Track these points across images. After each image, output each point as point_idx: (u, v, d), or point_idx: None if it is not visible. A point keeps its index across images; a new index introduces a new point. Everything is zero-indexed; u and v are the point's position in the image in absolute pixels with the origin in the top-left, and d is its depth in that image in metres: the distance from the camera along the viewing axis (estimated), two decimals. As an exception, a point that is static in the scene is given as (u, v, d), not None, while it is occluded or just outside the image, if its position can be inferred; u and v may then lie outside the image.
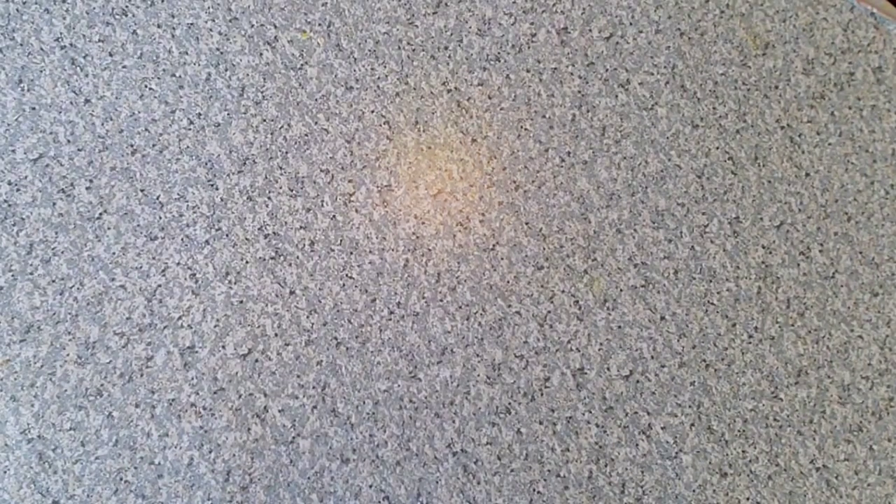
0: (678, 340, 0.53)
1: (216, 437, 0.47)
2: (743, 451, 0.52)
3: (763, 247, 0.56)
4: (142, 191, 0.50)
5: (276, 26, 0.54)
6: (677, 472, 0.51)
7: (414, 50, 0.55)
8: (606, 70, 0.57)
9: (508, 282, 0.52)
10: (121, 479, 0.46)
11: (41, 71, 0.51)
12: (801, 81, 0.61)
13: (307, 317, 0.50)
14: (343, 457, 0.48)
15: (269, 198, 0.51)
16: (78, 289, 0.48)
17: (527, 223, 0.53)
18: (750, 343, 0.54)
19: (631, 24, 0.59)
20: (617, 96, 0.57)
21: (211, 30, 0.53)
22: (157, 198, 0.50)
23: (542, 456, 0.50)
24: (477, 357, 0.51)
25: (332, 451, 0.48)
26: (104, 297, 0.48)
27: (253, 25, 0.54)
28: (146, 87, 0.52)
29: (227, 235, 0.50)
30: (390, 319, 0.50)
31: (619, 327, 0.53)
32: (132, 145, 0.51)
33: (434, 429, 0.49)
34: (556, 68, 0.57)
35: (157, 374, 0.47)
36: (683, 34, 0.59)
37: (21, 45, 0.51)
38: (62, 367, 0.47)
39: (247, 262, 0.50)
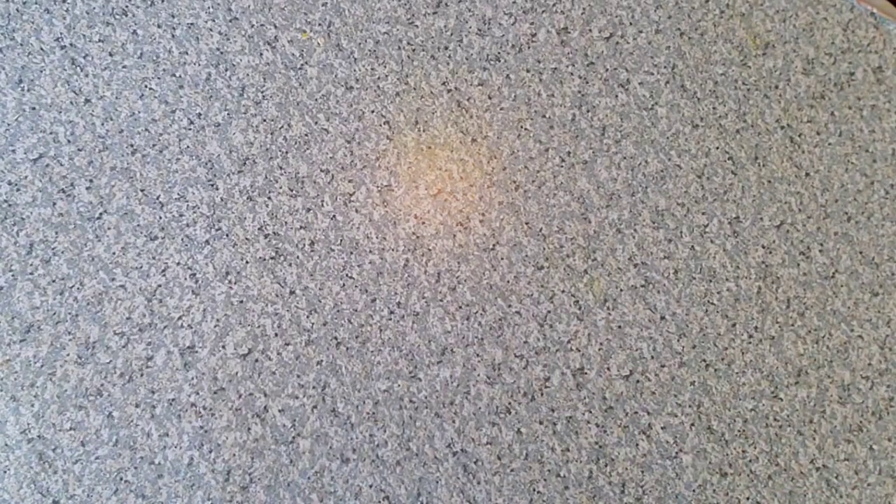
0: (678, 340, 0.53)
1: (216, 437, 0.47)
2: (743, 451, 0.52)
3: (763, 247, 0.56)
4: (142, 191, 0.50)
5: (276, 26, 0.54)
6: (677, 472, 0.51)
7: (414, 50, 0.55)
8: (606, 70, 0.57)
9: (508, 282, 0.52)
10: (121, 479, 0.46)
11: (41, 71, 0.51)
12: (801, 81, 0.61)
13: (307, 317, 0.50)
14: (343, 457, 0.48)
15: (269, 198, 0.51)
16: (78, 289, 0.48)
17: (527, 223, 0.53)
18: (750, 343, 0.54)
19: (631, 24, 0.59)
20: (617, 96, 0.57)
21: (211, 30, 0.53)
22: (157, 198, 0.50)
23: (542, 456, 0.50)
24: (477, 357, 0.51)
25: (332, 451, 0.48)
26: (104, 297, 0.48)
27: (253, 25, 0.54)
28: (146, 87, 0.52)
29: (227, 235, 0.50)
30: (390, 319, 0.50)
31: (619, 327, 0.53)
32: (132, 145, 0.51)
33: (434, 429, 0.49)
34: (556, 68, 0.57)
35: (157, 374, 0.47)
36: (683, 34, 0.59)
37: (21, 45, 0.51)
38: (62, 367, 0.47)
39: (247, 262, 0.50)
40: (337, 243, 0.51)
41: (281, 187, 0.51)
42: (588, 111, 0.56)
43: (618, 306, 0.53)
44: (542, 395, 0.51)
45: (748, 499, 0.51)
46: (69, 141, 0.50)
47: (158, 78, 0.52)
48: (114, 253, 0.49)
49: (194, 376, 0.48)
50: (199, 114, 0.52)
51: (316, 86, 0.54)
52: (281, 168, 0.52)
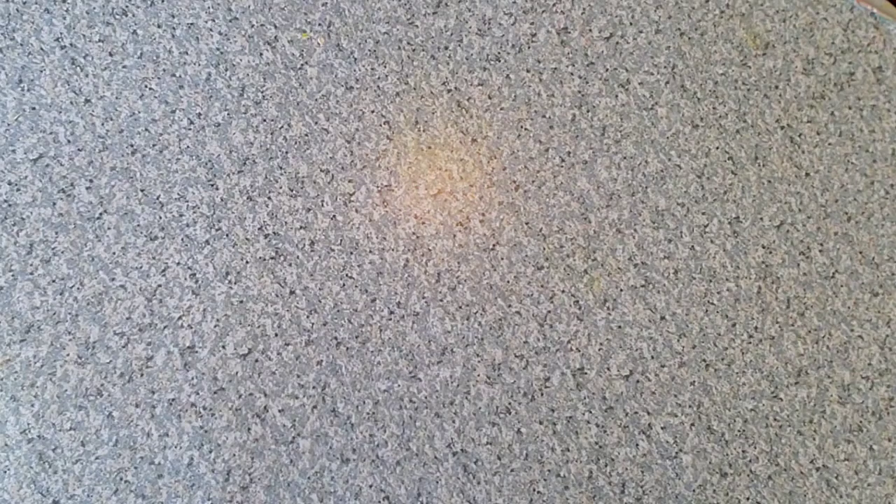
0: (678, 340, 0.53)
1: (216, 437, 0.47)
2: (743, 451, 0.52)
3: (763, 247, 0.56)
4: (142, 191, 0.50)
5: (276, 26, 0.54)
6: (677, 472, 0.51)
7: (414, 50, 0.55)
8: (606, 70, 0.57)
9: (508, 282, 0.52)
10: (121, 479, 0.46)
11: (41, 71, 0.51)
12: (801, 81, 0.61)
13: (307, 317, 0.50)
14: (343, 457, 0.48)
15: (269, 198, 0.51)
16: (78, 289, 0.48)
17: (527, 223, 0.53)
18: (750, 343, 0.54)
19: (631, 24, 0.59)
20: (617, 96, 0.57)
21: (211, 30, 0.53)
22: (157, 198, 0.50)
23: (542, 456, 0.50)
24: (477, 357, 0.51)
25: (332, 451, 0.48)
26: (104, 297, 0.48)
27: (253, 25, 0.54)
28: (146, 87, 0.52)
29: (227, 235, 0.50)
30: (390, 319, 0.50)
31: (619, 327, 0.53)
32: (132, 145, 0.51)
33: (434, 429, 0.49)
34: (556, 68, 0.57)
35: (157, 374, 0.47)
36: (683, 34, 0.59)
37: (21, 45, 0.51)
38: (62, 367, 0.47)
39: (247, 262, 0.50)
40: (337, 243, 0.51)
41: (281, 187, 0.51)
42: (588, 111, 0.56)
43: (618, 306, 0.53)
44: (542, 395, 0.51)
45: (748, 499, 0.51)
46: (69, 141, 0.50)
47: (158, 78, 0.52)
48: (114, 253, 0.49)
49: (194, 376, 0.48)
50: (199, 114, 0.52)
51: (316, 86, 0.54)
52: (281, 168, 0.52)
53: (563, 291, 0.53)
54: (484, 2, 0.57)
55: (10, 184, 0.49)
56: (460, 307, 0.51)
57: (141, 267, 0.49)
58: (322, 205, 0.52)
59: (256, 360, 0.48)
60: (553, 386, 0.51)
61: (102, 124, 0.51)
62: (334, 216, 0.51)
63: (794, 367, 0.54)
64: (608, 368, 0.52)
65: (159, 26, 0.53)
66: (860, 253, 0.58)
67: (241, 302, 0.49)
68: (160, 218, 0.50)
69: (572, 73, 0.57)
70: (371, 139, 0.53)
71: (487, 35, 0.57)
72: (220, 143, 0.52)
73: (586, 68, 0.57)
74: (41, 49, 0.51)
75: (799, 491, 0.52)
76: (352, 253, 0.51)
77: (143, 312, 0.48)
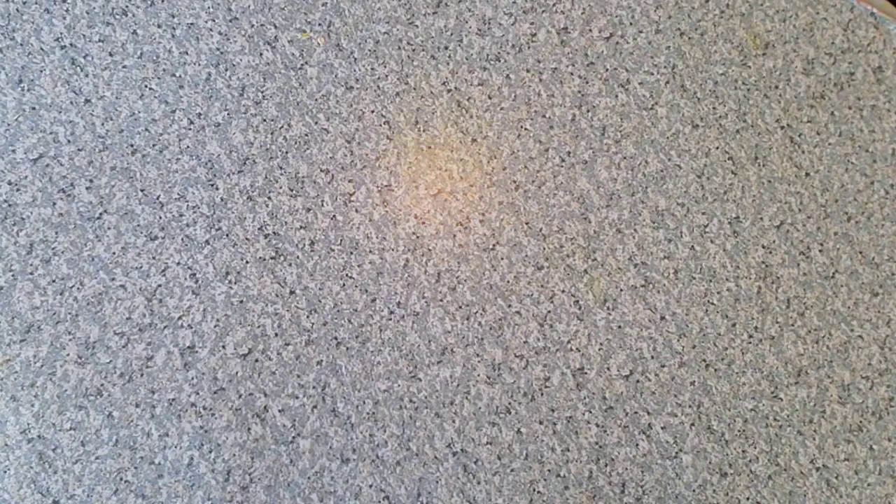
0: (678, 340, 0.53)
1: (216, 437, 0.47)
2: (743, 451, 0.52)
3: (763, 247, 0.56)
4: (142, 191, 0.50)
5: (276, 26, 0.54)
6: (677, 472, 0.51)
7: (414, 50, 0.55)
8: (606, 70, 0.57)
9: (508, 282, 0.52)
10: (121, 479, 0.46)
11: (41, 71, 0.51)
12: (801, 81, 0.61)
13: (307, 317, 0.50)
14: (343, 457, 0.48)
15: (269, 198, 0.51)
16: (78, 289, 0.48)
17: (527, 223, 0.53)
18: (750, 343, 0.54)
19: (631, 24, 0.59)
20: (617, 96, 0.57)
21: (211, 30, 0.53)
22: (157, 198, 0.50)
23: (542, 456, 0.50)
24: (477, 357, 0.51)
25: (332, 451, 0.48)
26: (104, 297, 0.48)
27: (253, 25, 0.54)
28: (146, 87, 0.52)
29: (227, 235, 0.50)
30: (390, 319, 0.50)
31: (619, 327, 0.53)
32: (132, 145, 0.51)
33: (434, 429, 0.49)
34: (556, 68, 0.57)
35: (157, 374, 0.47)
36: (683, 34, 0.59)
37: (21, 45, 0.51)
38: (62, 367, 0.47)
39: (247, 262, 0.50)
40: (337, 243, 0.51)
41: (281, 187, 0.51)
42: (588, 111, 0.56)
43: (618, 306, 0.53)
44: (542, 395, 0.51)
45: (748, 499, 0.51)
46: (69, 141, 0.50)
47: (158, 78, 0.52)
48: (114, 253, 0.49)
49: (194, 376, 0.48)
50: (199, 114, 0.52)
51: (316, 86, 0.54)
52: (281, 168, 0.52)
53: (563, 291, 0.53)
54: (484, 2, 0.57)
55: (10, 184, 0.49)
56: (460, 307, 0.51)
57: (141, 267, 0.49)
58: (322, 205, 0.52)
59: (256, 360, 0.48)
60: (553, 386, 0.51)
61: (102, 124, 0.51)
62: (334, 216, 0.51)
63: (794, 367, 0.54)
64: (608, 368, 0.52)
65: (159, 26, 0.53)
66: (860, 253, 0.58)
67: (241, 302, 0.49)
68: (160, 218, 0.50)
69: (572, 73, 0.57)
70: (371, 139, 0.53)
71: (487, 35, 0.57)
72: (220, 143, 0.52)
73: (586, 68, 0.57)
74: (41, 49, 0.51)
75: (799, 491, 0.52)
76: (352, 253, 0.51)
77: (143, 312, 0.48)
